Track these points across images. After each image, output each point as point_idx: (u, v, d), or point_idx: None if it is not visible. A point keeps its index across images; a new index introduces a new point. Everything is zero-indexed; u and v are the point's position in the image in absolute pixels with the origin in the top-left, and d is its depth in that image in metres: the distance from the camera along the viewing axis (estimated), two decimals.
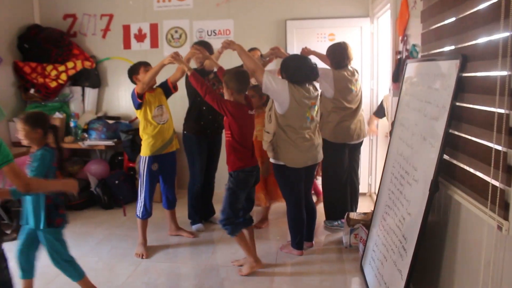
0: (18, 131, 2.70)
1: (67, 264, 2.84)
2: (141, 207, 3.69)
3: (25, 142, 2.70)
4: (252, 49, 4.45)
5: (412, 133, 2.70)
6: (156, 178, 3.77)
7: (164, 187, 3.91)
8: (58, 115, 5.16)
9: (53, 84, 5.18)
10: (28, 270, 2.82)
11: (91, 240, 4.01)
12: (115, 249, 3.80)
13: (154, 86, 3.74)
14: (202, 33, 5.35)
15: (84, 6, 5.52)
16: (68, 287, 2.96)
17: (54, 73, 5.17)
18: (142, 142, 3.70)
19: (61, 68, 5.18)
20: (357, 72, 4.05)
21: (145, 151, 3.67)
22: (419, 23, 2.92)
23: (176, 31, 5.43)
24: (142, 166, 3.67)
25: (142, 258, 3.63)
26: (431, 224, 2.48)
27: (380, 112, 4.61)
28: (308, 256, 3.61)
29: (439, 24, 2.58)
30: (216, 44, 3.71)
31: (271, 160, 3.51)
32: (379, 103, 4.75)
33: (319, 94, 3.58)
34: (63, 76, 5.20)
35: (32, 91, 5.18)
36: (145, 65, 3.71)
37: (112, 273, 3.38)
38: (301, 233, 3.60)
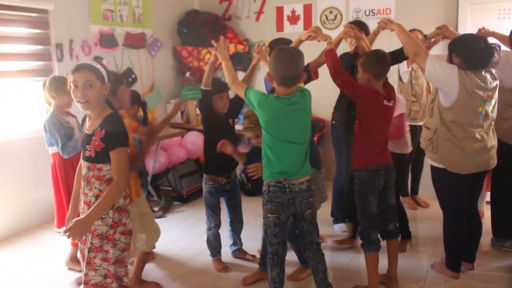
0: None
1: None
2: None
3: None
4: (411, 31, 3.85)
5: None
6: None
7: None
8: None
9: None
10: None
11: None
12: (246, 241, 3.65)
13: None
14: (359, 13, 4.90)
15: None
16: None
17: (208, 56, 5.25)
18: None
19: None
20: None
21: None
22: None
23: (331, 12, 5.07)
24: None
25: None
26: None
27: None
28: (466, 281, 2.99)
29: None
30: (374, 25, 3.26)
31: (430, 161, 2.95)
32: None
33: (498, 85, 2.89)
34: None
35: (187, 74, 5.37)
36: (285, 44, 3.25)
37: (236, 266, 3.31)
38: (459, 252, 3.00)
